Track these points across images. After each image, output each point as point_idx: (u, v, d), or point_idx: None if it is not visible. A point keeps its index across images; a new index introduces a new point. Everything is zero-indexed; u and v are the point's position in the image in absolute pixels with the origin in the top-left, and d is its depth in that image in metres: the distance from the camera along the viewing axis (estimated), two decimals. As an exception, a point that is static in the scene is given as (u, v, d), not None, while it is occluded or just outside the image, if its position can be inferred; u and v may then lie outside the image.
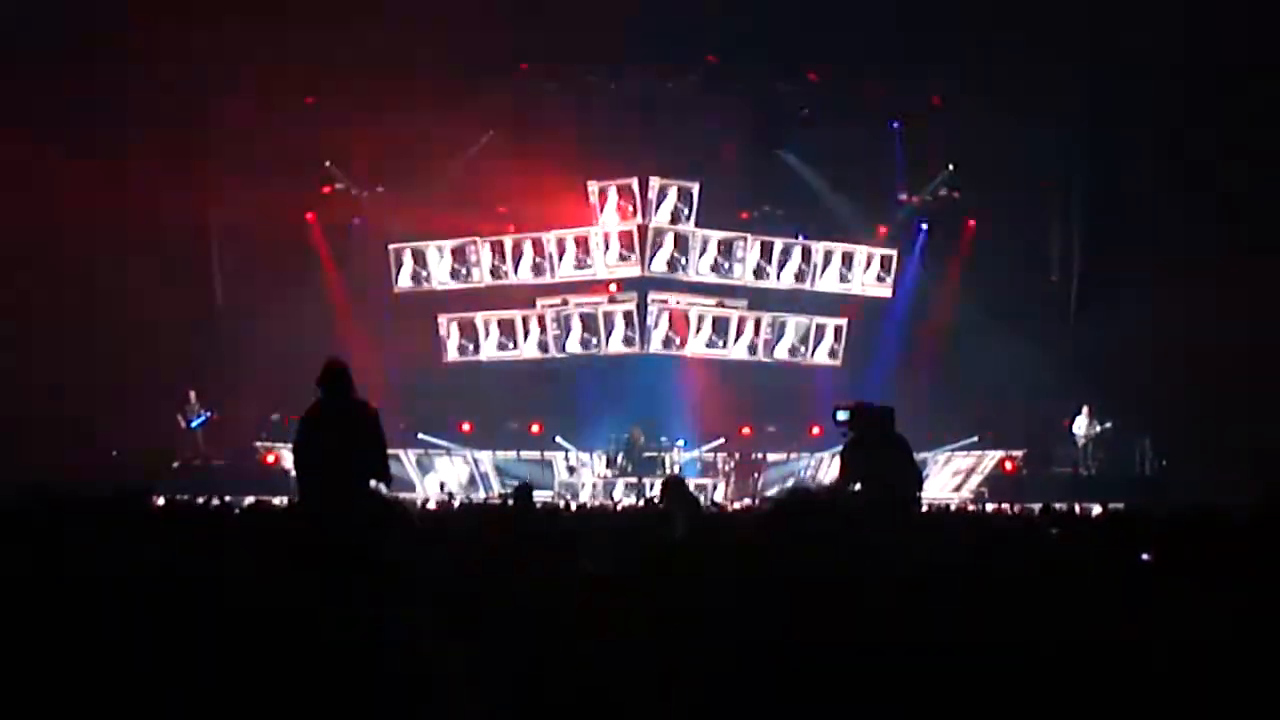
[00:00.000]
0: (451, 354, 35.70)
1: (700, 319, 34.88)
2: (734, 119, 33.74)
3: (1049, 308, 35.39)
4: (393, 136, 34.27)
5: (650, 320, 34.30)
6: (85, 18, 29.43)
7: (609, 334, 34.44)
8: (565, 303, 34.95)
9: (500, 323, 35.49)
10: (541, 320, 35.13)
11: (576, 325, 34.79)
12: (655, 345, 34.37)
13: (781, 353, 35.54)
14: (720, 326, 35.08)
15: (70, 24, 29.48)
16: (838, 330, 35.74)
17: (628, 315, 34.35)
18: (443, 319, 35.64)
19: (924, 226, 36.60)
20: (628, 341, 34.32)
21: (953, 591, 5.40)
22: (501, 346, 35.45)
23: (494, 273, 35.26)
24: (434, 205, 34.99)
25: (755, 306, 35.42)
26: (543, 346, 35.15)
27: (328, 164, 36.15)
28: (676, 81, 34.44)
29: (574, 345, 34.80)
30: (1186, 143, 31.10)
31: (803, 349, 35.67)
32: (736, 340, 35.21)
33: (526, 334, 35.31)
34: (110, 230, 30.79)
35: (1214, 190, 31.02)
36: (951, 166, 36.19)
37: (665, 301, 34.55)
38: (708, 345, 34.95)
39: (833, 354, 35.74)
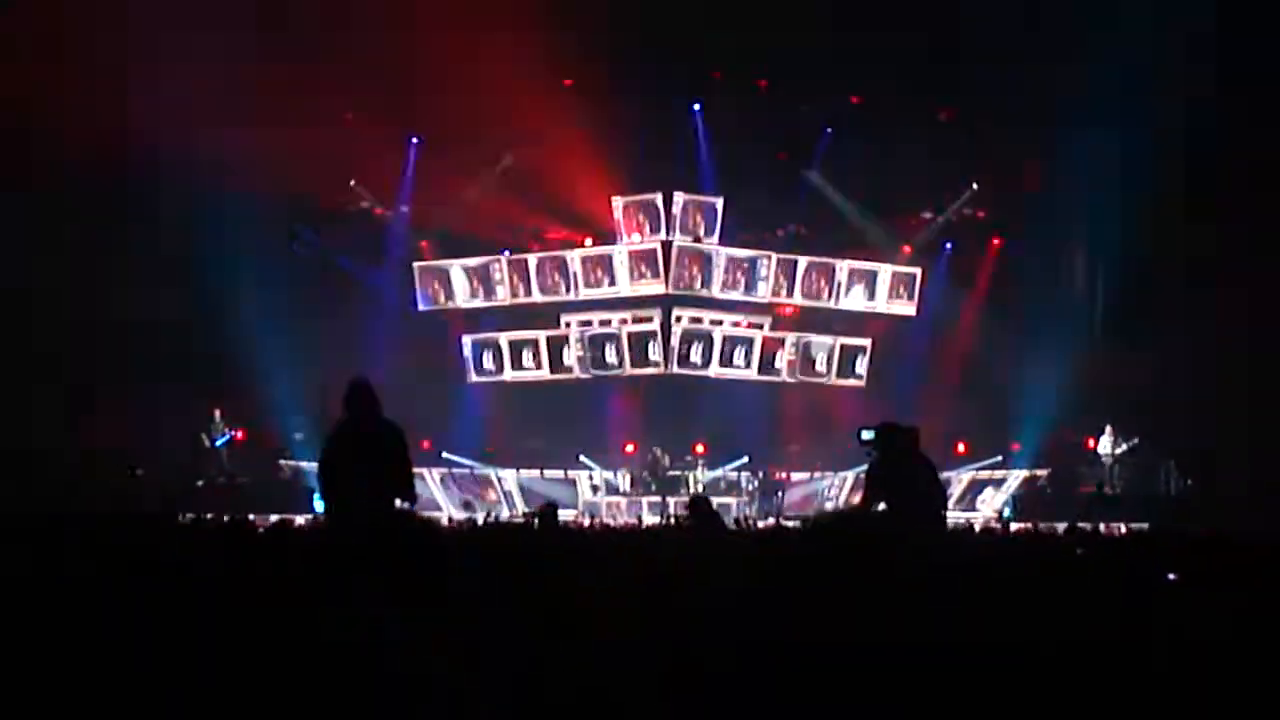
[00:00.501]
0: (474, 375, 35.76)
1: (724, 340, 34.87)
2: (761, 138, 33.70)
3: (1074, 327, 35.24)
4: (419, 153, 34.48)
5: (715, 342, 34.39)
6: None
7: (633, 354, 34.44)
8: (589, 323, 34.98)
9: (523, 343, 35.54)
10: (565, 340, 35.17)
11: (600, 345, 34.79)
12: (678, 365, 34.35)
13: (806, 374, 35.51)
14: (744, 347, 35.04)
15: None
16: (863, 351, 35.71)
17: (651, 335, 34.34)
18: (466, 339, 35.74)
19: (948, 245, 36.51)
20: (652, 362, 34.33)
21: (979, 607, 5.41)
22: (524, 366, 35.50)
23: (516, 292, 35.31)
24: (459, 223, 35.17)
25: (779, 326, 35.39)
26: (566, 367, 35.18)
27: (353, 183, 36.28)
28: (702, 101, 34.47)
29: (598, 365, 34.81)
30: (1213, 165, 31.08)
31: (828, 370, 35.64)
32: (761, 361, 35.16)
33: (550, 354, 35.34)
34: (137, 251, 30.91)
35: (1244, 211, 30.99)
36: (975, 185, 36.14)
37: (700, 320, 34.55)
38: (732, 367, 34.92)
39: (858, 375, 35.70)
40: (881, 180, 35.23)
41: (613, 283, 34.62)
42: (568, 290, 35.00)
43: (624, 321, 34.73)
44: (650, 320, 34.45)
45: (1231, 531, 11.96)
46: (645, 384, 34.53)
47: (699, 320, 34.69)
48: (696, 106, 34.57)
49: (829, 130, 35.38)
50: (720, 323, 34.94)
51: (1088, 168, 33.58)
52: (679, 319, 34.38)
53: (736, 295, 34.99)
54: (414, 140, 35.37)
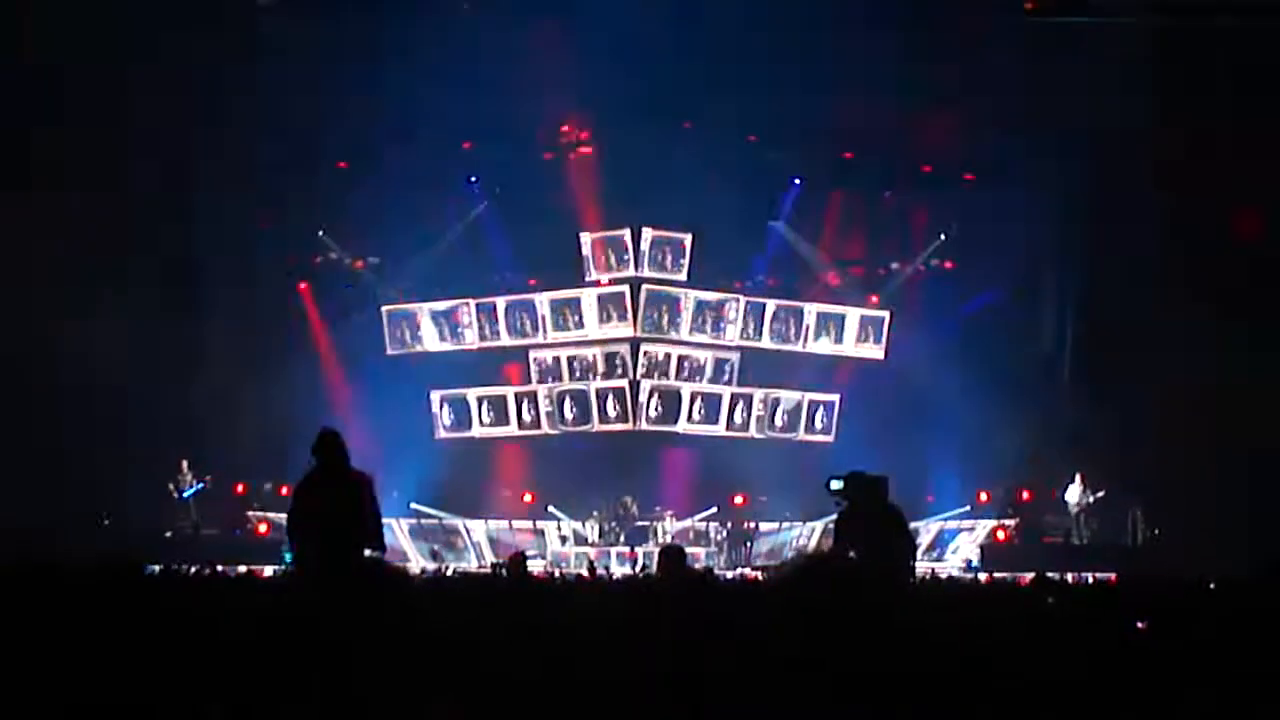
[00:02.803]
0: (442, 431, 35.74)
1: (693, 397, 34.92)
2: (728, 188, 33.78)
3: (1043, 377, 35.34)
4: (386, 205, 34.58)
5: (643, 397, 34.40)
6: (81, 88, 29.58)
7: (602, 412, 34.50)
8: (558, 372, 35.00)
9: (492, 399, 35.56)
10: (534, 397, 35.20)
11: (568, 403, 34.85)
12: (646, 423, 34.39)
13: (775, 431, 35.57)
14: (711, 405, 35.10)
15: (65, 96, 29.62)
16: (829, 406, 35.77)
17: (619, 392, 34.38)
18: (435, 395, 35.73)
19: (917, 296, 36.60)
20: (620, 419, 34.37)
21: (950, 653, 5.42)
22: (493, 423, 35.50)
23: (484, 335, 35.32)
24: (427, 272, 35.31)
25: (746, 378, 35.41)
26: (535, 424, 35.22)
27: (320, 233, 36.31)
28: (671, 150, 34.56)
29: (566, 424, 34.86)
30: (1175, 211, 31.32)
31: (796, 427, 35.70)
32: (729, 418, 35.22)
33: (519, 411, 35.37)
34: (103, 302, 30.84)
35: (1206, 257, 31.23)
36: (944, 236, 36.29)
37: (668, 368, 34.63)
38: (700, 422, 34.97)
39: (825, 429, 35.75)
40: (849, 232, 35.41)
41: (580, 324, 34.63)
42: (535, 332, 34.98)
43: (592, 381, 34.69)
44: (620, 380, 34.45)
45: (1196, 577, 12.01)
46: (614, 436, 34.53)
47: (666, 369, 34.67)
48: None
49: (797, 181, 35.50)
50: (688, 384, 34.93)
51: (1055, 216, 33.91)
52: (647, 367, 34.36)
53: (704, 338, 35.00)
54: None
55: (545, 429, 35.16)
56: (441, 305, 35.65)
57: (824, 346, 35.86)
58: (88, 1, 29.28)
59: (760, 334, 35.34)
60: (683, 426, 34.78)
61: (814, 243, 36.11)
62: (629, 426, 34.30)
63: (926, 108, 31.54)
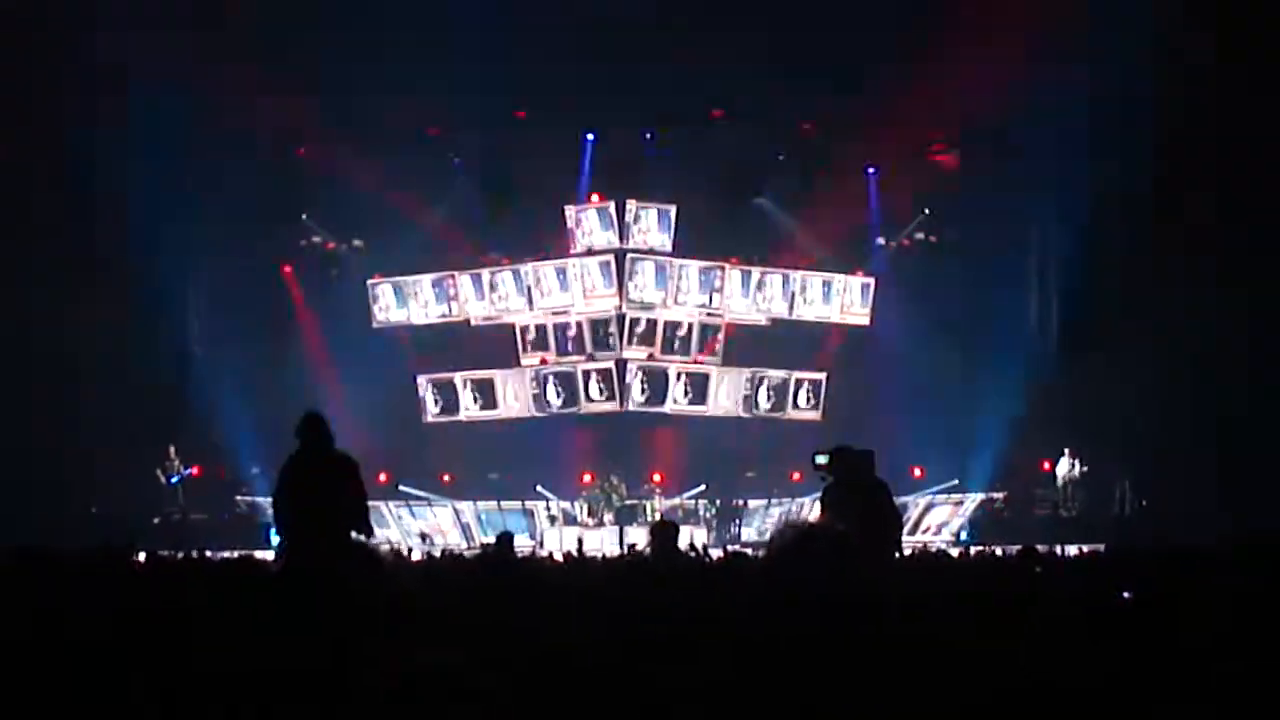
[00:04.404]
0: (429, 415, 35.73)
1: (679, 375, 34.89)
2: (712, 167, 33.72)
3: (1030, 351, 35.36)
4: (370, 187, 34.54)
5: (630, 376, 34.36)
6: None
7: (587, 393, 34.46)
8: (544, 363, 34.94)
9: (479, 382, 35.52)
10: (521, 380, 35.16)
11: (555, 385, 34.80)
12: (633, 405, 34.37)
13: (760, 409, 35.56)
14: (697, 384, 35.07)
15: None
16: (816, 384, 35.76)
17: (605, 374, 34.35)
18: (422, 380, 35.71)
19: (902, 270, 36.60)
20: (608, 399, 34.33)
21: (938, 628, 5.42)
22: (481, 406, 35.48)
23: (470, 304, 35.27)
24: (413, 252, 35.30)
25: (731, 354, 35.37)
26: (523, 406, 35.19)
27: (304, 217, 36.30)
28: (654, 130, 34.52)
29: (553, 406, 34.84)
30: (1165, 189, 31.31)
31: (783, 405, 35.68)
32: (717, 397, 35.20)
33: (506, 394, 35.33)
34: (85, 287, 30.79)
35: (1185, 229, 31.25)
36: (927, 211, 36.30)
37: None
38: (688, 404, 34.94)
39: (812, 407, 35.75)
40: (833, 207, 35.39)
41: (566, 290, 34.52)
42: (522, 300, 34.91)
43: (579, 361, 34.63)
44: (605, 361, 34.41)
45: (1184, 548, 12.02)
46: (601, 417, 34.50)
47: (652, 337, 34.59)
48: (648, 135, 34.69)
49: (780, 157, 35.50)
50: (675, 360, 34.90)
51: (1040, 187, 33.92)
52: (632, 335, 34.30)
53: (694, 303, 34.98)
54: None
55: (533, 411, 35.10)
56: (427, 276, 35.53)
57: (812, 311, 35.68)
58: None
59: (749, 297, 35.15)
60: (670, 407, 34.72)
61: (798, 218, 36.06)
62: (616, 407, 34.25)
63: (913, 79, 31.42)
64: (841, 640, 4.22)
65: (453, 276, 35.35)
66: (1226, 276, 30.60)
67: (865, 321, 35.98)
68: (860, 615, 4.28)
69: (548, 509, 33.38)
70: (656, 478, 33.53)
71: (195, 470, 32.63)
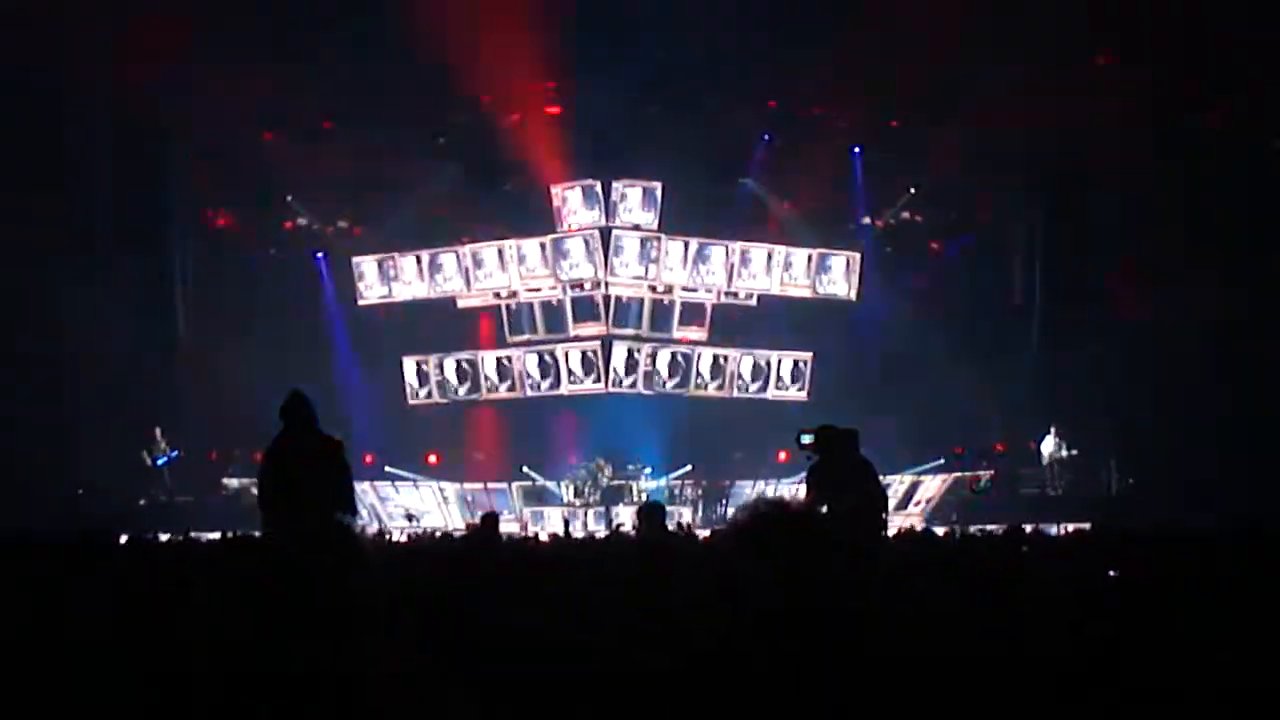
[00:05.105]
0: (414, 398, 35.70)
1: (665, 355, 34.86)
2: (696, 148, 33.65)
3: (1015, 330, 35.42)
4: (355, 170, 34.55)
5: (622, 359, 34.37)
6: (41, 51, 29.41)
7: (570, 373, 34.43)
8: (534, 330, 34.89)
9: (463, 363, 35.47)
10: (509, 360, 35.10)
11: (539, 365, 34.76)
12: (617, 383, 34.32)
13: (746, 389, 35.52)
14: (682, 363, 35.04)
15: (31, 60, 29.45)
16: (801, 364, 35.71)
17: (590, 355, 34.31)
18: (407, 361, 35.65)
19: (887, 249, 36.59)
20: (592, 379, 34.29)
21: (921, 607, 5.40)
22: (466, 389, 35.44)
23: (455, 281, 35.23)
24: (399, 235, 35.28)
25: (715, 333, 35.32)
26: (508, 387, 35.14)
27: (289, 199, 36.27)
28: (638, 111, 34.46)
29: (537, 387, 34.79)
30: (1149, 167, 31.33)
31: (768, 384, 35.63)
32: (701, 376, 35.16)
33: (491, 374, 35.28)
34: (72, 267, 30.77)
35: (1178, 213, 31.28)
36: (913, 190, 36.29)
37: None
38: (672, 386, 34.90)
39: (798, 387, 35.70)
40: (818, 187, 35.36)
41: (550, 268, 34.37)
42: (506, 275, 34.73)
43: (563, 341, 34.59)
44: (591, 342, 34.36)
45: (1171, 528, 12.03)
46: (586, 398, 34.49)
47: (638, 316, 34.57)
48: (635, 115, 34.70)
49: (766, 138, 35.48)
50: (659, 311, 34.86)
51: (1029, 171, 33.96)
52: (618, 315, 34.29)
53: (677, 282, 34.96)
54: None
55: (517, 392, 35.07)
56: (411, 253, 35.47)
57: (797, 288, 35.59)
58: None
59: (733, 273, 35.05)
60: (655, 387, 34.68)
61: (783, 198, 36.05)
62: (600, 388, 34.22)
63: (895, 58, 31.37)
64: (788, 625, 4.20)
65: (436, 253, 35.24)
66: (1215, 254, 30.68)
67: (852, 297, 35.85)
68: (816, 595, 4.24)
69: (534, 489, 33.36)
70: (642, 459, 33.53)
71: (181, 453, 32.61)
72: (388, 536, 24.26)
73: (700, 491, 32.84)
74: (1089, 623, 6.32)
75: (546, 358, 34.74)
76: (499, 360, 35.28)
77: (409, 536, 24.35)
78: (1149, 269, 31.49)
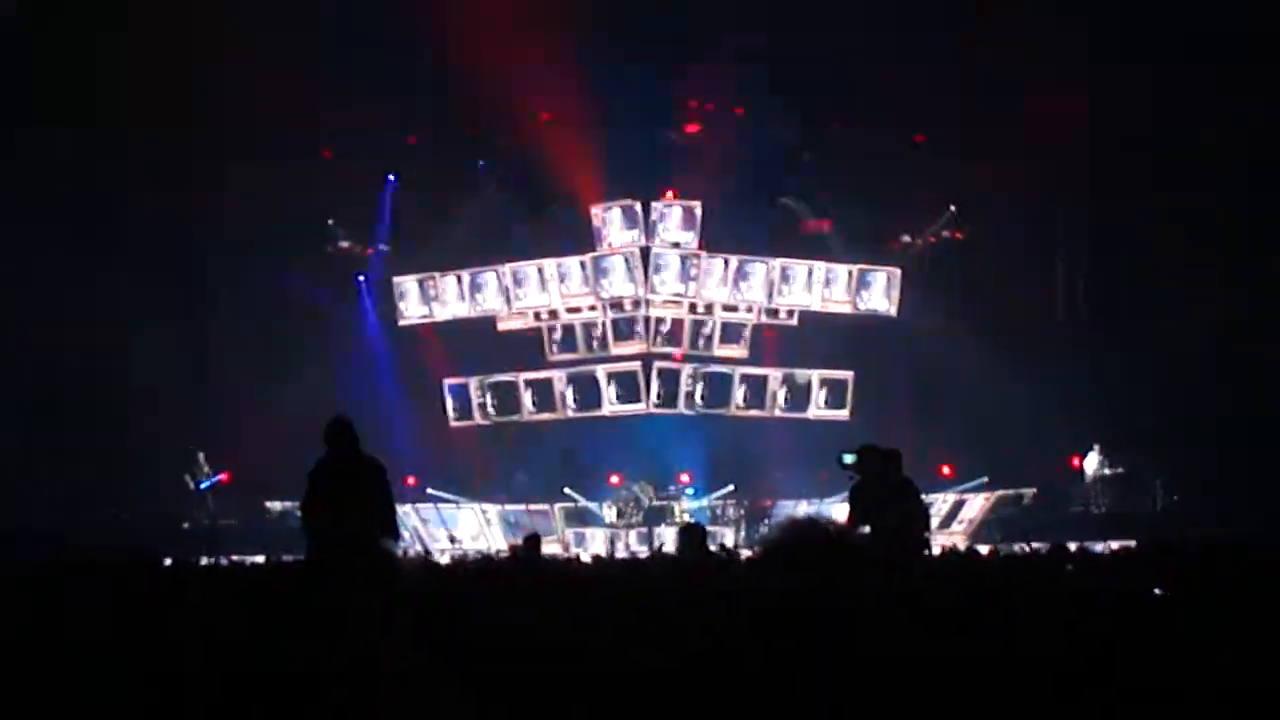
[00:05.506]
0: (454, 419, 35.74)
1: (705, 376, 34.85)
2: (733, 165, 33.65)
3: (1058, 347, 35.25)
4: (395, 193, 34.79)
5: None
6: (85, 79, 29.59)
7: (613, 395, 34.48)
8: (574, 350, 34.94)
9: (504, 385, 35.51)
10: (549, 384, 35.15)
11: (578, 387, 34.83)
12: (656, 406, 34.35)
13: (786, 409, 35.43)
14: (721, 384, 35.02)
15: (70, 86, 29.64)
16: (842, 384, 35.57)
17: (631, 375, 34.35)
18: (447, 383, 35.69)
19: (927, 267, 36.46)
20: (633, 400, 34.32)
21: (961, 626, 5.38)
22: (505, 411, 35.47)
23: (494, 301, 35.34)
24: (439, 256, 35.39)
25: (759, 352, 35.28)
26: (547, 408, 35.18)
27: (330, 222, 36.43)
28: (676, 130, 34.55)
29: (577, 408, 34.86)
30: (1188, 181, 31.18)
31: (808, 404, 35.53)
32: (742, 398, 35.11)
33: (531, 396, 35.31)
34: (112, 292, 30.96)
35: (1216, 228, 31.15)
36: (953, 208, 36.20)
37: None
38: (713, 406, 34.87)
39: (839, 406, 35.56)
40: (858, 205, 35.34)
41: (587, 284, 34.59)
42: (546, 296, 34.96)
43: (602, 362, 34.64)
44: (631, 363, 34.43)
45: (1218, 544, 11.95)
46: (627, 419, 34.50)
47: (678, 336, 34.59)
48: (673, 134, 34.78)
49: (805, 156, 35.44)
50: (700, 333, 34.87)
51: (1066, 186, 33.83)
52: (657, 335, 34.33)
53: (717, 301, 34.96)
54: (390, 177, 35.61)
55: (558, 414, 35.09)
56: (451, 273, 35.59)
57: (839, 304, 35.51)
58: None
59: (777, 290, 35.03)
60: (696, 408, 34.67)
61: (823, 216, 36.03)
62: (641, 408, 34.24)
63: (933, 75, 31.36)
64: (819, 642, 4.19)
65: (476, 272, 35.33)
66: (1259, 269, 30.56)
67: (893, 313, 35.75)
68: (845, 617, 4.24)
69: (576, 510, 33.36)
70: (685, 478, 33.54)
71: (225, 476, 32.69)
72: (430, 558, 24.25)
73: (742, 512, 32.79)
74: (1135, 640, 6.28)
75: (587, 379, 34.80)
76: (539, 382, 35.32)
77: (451, 559, 24.36)
78: (1195, 284, 31.36)
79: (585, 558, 22.14)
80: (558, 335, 35.12)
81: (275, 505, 32.15)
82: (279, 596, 7.97)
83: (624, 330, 34.50)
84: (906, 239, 36.83)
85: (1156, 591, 8.46)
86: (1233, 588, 8.16)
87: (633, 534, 31.73)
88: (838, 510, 30.66)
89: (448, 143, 34.52)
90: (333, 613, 6.38)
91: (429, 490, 33.00)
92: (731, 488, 33.23)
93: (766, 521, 32.15)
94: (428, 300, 35.74)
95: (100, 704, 5.48)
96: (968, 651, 4.88)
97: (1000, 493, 32.83)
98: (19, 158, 30.03)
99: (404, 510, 25.88)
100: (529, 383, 35.39)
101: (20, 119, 29.72)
